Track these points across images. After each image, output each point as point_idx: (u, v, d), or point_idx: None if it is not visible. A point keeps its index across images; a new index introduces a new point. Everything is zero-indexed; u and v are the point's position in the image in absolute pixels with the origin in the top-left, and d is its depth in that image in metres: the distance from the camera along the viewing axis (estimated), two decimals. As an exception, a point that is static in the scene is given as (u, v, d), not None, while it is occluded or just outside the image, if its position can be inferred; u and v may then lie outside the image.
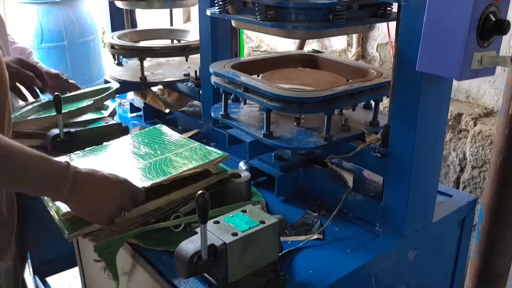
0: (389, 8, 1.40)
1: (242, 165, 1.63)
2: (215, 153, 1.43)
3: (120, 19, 2.42)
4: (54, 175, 1.04)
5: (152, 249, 1.25)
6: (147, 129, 1.72)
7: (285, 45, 3.18)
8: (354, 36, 2.80)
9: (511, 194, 1.36)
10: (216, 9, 1.53)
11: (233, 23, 1.59)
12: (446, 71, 1.06)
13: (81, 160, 1.46)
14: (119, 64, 2.21)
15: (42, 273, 2.37)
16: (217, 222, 1.07)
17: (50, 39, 3.65)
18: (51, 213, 1.30)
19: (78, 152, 1.52)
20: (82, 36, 3.78)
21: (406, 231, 1.30)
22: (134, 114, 2.27)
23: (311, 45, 3.03)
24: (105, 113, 1.94)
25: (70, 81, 2.08)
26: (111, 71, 2.09)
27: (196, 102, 2.11)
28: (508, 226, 1.42)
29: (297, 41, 2.96)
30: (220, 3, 1.49)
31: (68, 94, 1.98)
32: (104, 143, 1.60)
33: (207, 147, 1.49)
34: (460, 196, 1.52)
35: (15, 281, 1.38)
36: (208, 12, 1.58)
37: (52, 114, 1.64)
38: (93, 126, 1.74)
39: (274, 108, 1.37)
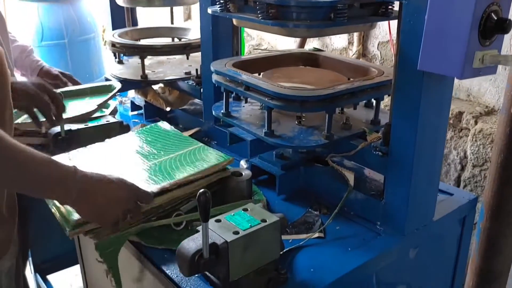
0: (390, 7, 1.40)
1: (243, 163, 1.63)
2: (220, 156, 1.43)
3: (121, 17, 2.42)
4: (62, 179, 1.05)
5: (153, 247, 1.26)
6: (148, 126, 1.72)
7: (286, 43, 3.17)
8: (355, 34, 2.79)
9: (512, 192, 1.36)
10: (217, 8, 1.52)
11: (234, 21, 1.59)
12: (448, 70, 1.06)
13: (83, 159, 1.47)
14: (120, 62, 2.21)
15: (43, 271, 2.37)
16: (218, 221, 1.08)
17: (50, 37, 3.64)
18: (52, 210, 1.30)
19: (79, 149, 1.52)
20: (83, 34, 3.77)
21: (407, 229, 1.31)
22: (135, 113, 2.27)
23: (312, 43, 3.02)
24: (106, 112, 1.95)
25: (74, 79, 2.09)
26: (112, 69, 2.09)
27: (197, 101, 2.11)
28: (509, 225, 1.42)
29: (298, 40, 2.96)
30: (222, 1, 1.49)
31: (68, 89, 1.98)
32: (106, 140, 1.60)
33: (210, 149, 1.49)
34: (461, 194, 1.52)
35: (16, 279, 1.38)
36: (209, 11, 1.58)
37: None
38: (94, 125, 1.74)
39: (275, 107, 1.37)
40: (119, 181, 1.15)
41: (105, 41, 2.15)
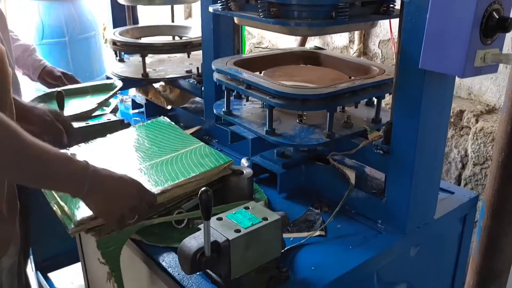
0: (392, 5, 1.40)
1: (244, 162, 1.63)
2: (220, 158, 1.43)
3: (121, 15, 2.42)
4: (75, 174, 1.08)
5: (155, 245, 1.26)
6: (149, 121, 1.72)
7: (287, 41, 3.17)
8: (356, 32, 2.79)
9: (513, 191, 1.37)
10: (218, 6, 1.53)
11: (236, 20, 1.59)
12: (449, 69, 1.06)
13: (84, 155, 1.47)
14: (121, 60, 2.21)
15: (44, 269, 2.38)
16: (220, 219, 1.08)
17: (51, 35, 3.64)
18: (54, 208, 1.31)
19: (81, 145, 1.53)
20: (83, 32, 3.77)
21: (408, 227, 1.31)
22: (136, 111, 2.27)
23: (312, 42, 3.02)
24: (107, 110, 1.95)
25: (76, 79, 2.10)
26: (113, 68, 2.09)
27: (197, 99, 2.11)
28: (510, 223, 1.43)
29: (298, 38, 2.96)
30: (223, 0, 1.49)
31: (69, 87, 1.98)
32: (108, 135, 1.60)
33: (212, 149, 1.49)
34: (462, 193, 1.52)
35: (18, 277, 1.38)
36: (210, 9, 1.58)
37: (51, 106, 1.64)
38: (95, 123, 1.74)
39: (276, 105, 1.37)
40: (128, 177, 1.18)
41: (106, 39, 2.15)
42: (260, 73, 1.63)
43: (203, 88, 1.87)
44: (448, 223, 1.46)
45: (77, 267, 2.21)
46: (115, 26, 2.37)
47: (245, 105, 1.64)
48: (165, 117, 1.74)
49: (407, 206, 1.28)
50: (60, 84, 2.06)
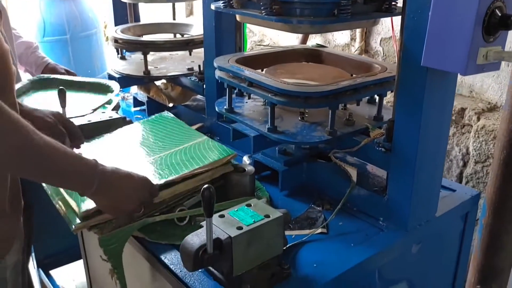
0: (394, 3, 1.39)
1: (246, 159, 1.63)
2: (223, 151, 1.44)
3: (123, 13, 2.41)
4: (84, 172, 1.09)
5: (157, 242, 1.26)
6: (153, 116, 1.73)
7: (288, 39, 3.17)
8: (358, 30, 2.79)
9: (515, 189, 1.37)
10: (220, 3, 1.53)
11: (238, 17, 1.59)
12: (451, 66, 1.06)
13: (92, 150, 1.48)
14: (123, 58, 2.21)
15: (46, 266, 2.38)
16: (222, 216, 1.08)
17: (52, 33, 3.64)
18: (57, 206, 1.31)
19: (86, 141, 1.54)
20: (85, 29, 3.77)
21: (410, 225, 1.31)
22: (138, 108, 2.27)
23: (314, 40, 3.02)
24: (109, 107, 1.95)
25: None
26: (115, 65, 2.09)
27: (199, 97, 2.11)
28: (511, 221, 1.43)
29: (300, 36, 2.96)
30: (225, -3, 1.49)
31: (65, 77, 1.98)
32: (114, 131, 1.61)
33: (215, 142, 1.50)
34: (464, 190, 1.52)
35: (22, 274, 1.39)
36: (212, 7, 1.58)
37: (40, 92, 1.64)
38: (97, 121, 1.74)
39: (278, 103, 1.37)
40: (134, 174, 1.19)
41: (107, 37, 2.15)
42: (262, 70, 1.63)
43: (204, 85, 1.87)
44: (449, 221, 1.46)
45: (79, 265, 2.21)
46: (116, 24, 2.37)
47: (247, 102, 1.64)
48: (169, 112, 1.75)
49: (409, 203, 1.28)
50: None
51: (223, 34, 1.75)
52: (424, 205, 1.34)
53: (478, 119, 2.21)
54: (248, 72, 1.46)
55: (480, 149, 2.20)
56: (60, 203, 1.29)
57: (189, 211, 1.33)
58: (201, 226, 1.05)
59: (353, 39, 2.87)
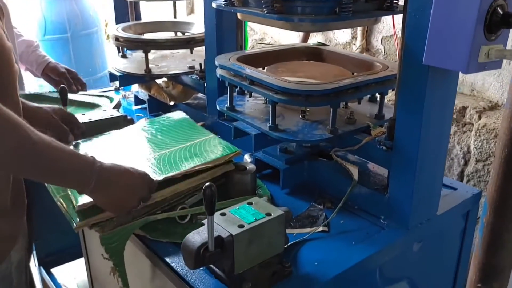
0: (395, 1, 1.40)
1: (247, 157, 1.63)
2: (227, 148, 1.44)
3: (124, 11, 2.42)
4: (82, 170, 1.09)
5: (158, 240, 1.26)
6: (163, 116, 1.73)
7: (289, 37, 3.17)
8: (359, 29, 2.79)
9: (516, 187, 1.37)
10: (222, 2, 1.52)
11: (239, 15, 1.59)
12: (453, 65, 1.06)
13: (96, 147, 1.49)
14: (124, 56, 2.21)
15: (47, 264, 2.39)
16: (223, 214, 1.08)
17: (53, 31, 3.64)
18: (58, 204, 1.31)
19: (94, 138, 1.55)
20: (85, 28, 3.77)
21: (411, 223, 1.31)
22: (139, 107, 2.27)
23: (315, 38, 3.02)
24: (110, 106, 1.96)
25: (78, 77, 2.11)
26: (116, 64, 2.09)
27: (200, 95, 2.11)
28: (513, 219, 1.43)
29: (301, 34, 2.96)
30: (226, -5, 1.49)
31: (52, 95, 1.98)
32: (123, 129, 1.64)
33: (221, 140, 1.51)
34: (465, 189, 1.52)
35: (24, 272, 1.39)
36: (213, 5, 1.58)
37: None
38: (98, 119, 1.75)
39: (280, 101, 1.37)
40: (134, 170, 1.19)
41: (108, 35, 2.15)
42: (263, 69, 1.63)
43: (206, 84, 1.87)
44: (450, 219, 1.46)
45: (80, 263, 2.22)
46: (117, 22, 2.37)
47: (248, 101, 1.64)
48: (181, 111, 1.76)
49: (410, 202, 1.28)
50: (64, 80, 2.06)
51: (224, 32, 1.75)
52: (425, 204, 1.34)
53: (479, 117, 2.21)
54: (249, 71, 1.46)
55: (481, 147, 2.20)
56: (61, 200, 1.29)
57: (191, 209, 1.33)
58: (203, 224, 1.05)
59: (354, 37, 2.87)
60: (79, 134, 1.55)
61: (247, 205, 1.12)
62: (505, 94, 2.20)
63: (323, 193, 1.50)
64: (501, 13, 1.01)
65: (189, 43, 2.03)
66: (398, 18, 1.32)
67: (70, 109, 1.94)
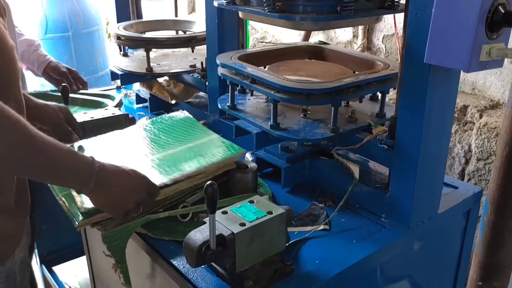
0: (397, 0, 1.39)
1: (248, 156, 1.63)
2: (232, 148, 1.44)
3: (125, 9, 2.42)
4: (81, 170, 1.08)
5: (160, 238, 1.27)
6: (166, 115, 1.74)
7: (290, 36, 3.17)
8: (360, 27, 2.79)
9: (517, 186, 1.36)
10: (223, 0, 1.53)
11: (240, 14, 1.59)
12: (454, 63, 1.06)
13: (100, 147, 1.49)
14: (125, 55, 2.21)
15: (49, 262, 2.39)
16: (225, 213, 1.09)
17: (54, 30, 3.65)
18: (60, 202, 1.31)
19: (98, 137, 1.56)
20: (87, 26, 3.77)
21: (412, 222, 1.31)
22: (140, 105, 2.28)
23: (316, 37, 3.02)
24: (111, 104, 1.96)
25: (79, 76, 2.12)
26: (117, 62, 2.09)
27: (201, 93, 2.11)
28: (514, 218, 1.43)
29: (302, 33, 2.95)
30: (228, -6, 1.49)
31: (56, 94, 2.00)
32: (128, 128, 1.64)
33: (224, 140, 1.50)
34: (466, 187, 1.52)
35: (27, 270, 1.39)
36: (215, 3, 1.58)
37: None
38: (100, 117, 1.75)
39: (281, 100, 1.37)
40: (133, 172, 1.18)
41: (109, 34, 2.16)
42: (265, 67, 1.63)
43: (207, 82, 1.87)
44: (451, 218, 1.46)
45: (82, 261, 2.22)
46: (119, 21, 2.38)
47: (249, 99, 1.64)
48: (185, 111, 1.76)
49: (411, 200, 1.28)
50: (65, 79, 2.07)
51: (225, 31, 1.75)
52: (426, 202, 1.34)
53: (481, 116, 2.21)
54: (250, 69, 1.47)
55: (482, 146, 2.20)
56: (63, 199, 1.30)
57: (192, 207, 1.33)
58: (204, 223, 1.05)
59: (355, 36, 2.87)
60: (80, 136, 1.55)
61: (249, 203, 1.12)
62: (506, 93, 2.20)
63: (324, 192, 1.50)
64: (503, 11, 1.01)
65: (191, 41, 2.04)
66: (400, 16, 1.32)
67: (74, 109, 1.97)
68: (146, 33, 2.25)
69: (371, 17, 1.47)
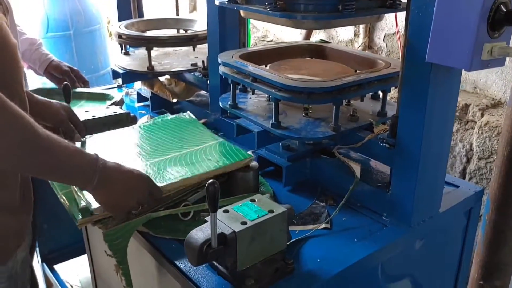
0: (398, -2, 1.40)
1: (249, 154, 1.63)
2: (240, 154, 1.44)
3: (127, 8, 2.42)
4: (85, 167, 1.09)
5: (161, 237, 1.27)
6: (173, 116, 1.73)
7: (291, 35, 3.17)
8: (361, 26, 2.78)
9: (519, 185, 1.36)
10: (225, -1, 1.53)
11: (242, 13, 1.59)
12: (456, 62, 1.05)
13: (103, 145, 1.50)
14: (127, 53, 2.21)
15: (50, 260, 2.40)
16: (226, 211, 1.09)
17: (56, 29, 3.65)
18: (62, 201, 1.32)
19: (93, 136, 1.56)
20: (88, 25, 3.77)
21: (413, 221, 1.31)
22: (142, 104, 2.28)
23: (317, 35, 3.02)
24: (111, 102, 1.97)
25: (81, 75, 2.12)
26: (119, 61, 2.10)
27: (203, 92, 2.11)
28: (515, 217, 1.43)
29: (303, 32, 2.95)
30: (229, -7, 1.49)
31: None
32: (132, 126, 1.64)
33: (231, 145, 1.50)
34: (467, 186, 1.52)
35: (28, 270, 1.40)
36: (216, 2, 1.58)
37: None
38: (101, 116, 1.75)
39: (282, 98, 1.37)
40: (136, 171, 1.19)
41: (110, 33, 2.16)
42: (266, 66, 1.63)
43: (208, 81, 1.87)
44: (453, 217, 1.46)
45: (83, 259, 2.23)
46: (120, 19, 2.38)
47: (250, 98, 1.64)
48: (190, 113, 1.76)
49: (412, 199, 1.28)
50: (67, 78, 2.07)
51: (227, 29, 1.75)
52: (428, 201, 1.34)
53: (482, 115, 2.21)
54: (252, 68, 1.47)
55: (484, 145, 2.20)
56: (64, 197, 1.30)
57: (194, 206, 1.33)
58: (205, 221, 1.05)
59: (356, 35, 2.86)
60: (82, 135, 1.56)
61: (250, 202, 1.12)
62: (508, 92, 2.20)
63: (326, 191, 1.50)
64: (505, 10, 1.01)
65: (192, 40, 2.04)
66: (401, 15, 1.32)
67: (79, 103, 1.97)
68: (147, 31, 2.25)
69: (372, 16, 1.47)
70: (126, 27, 2.13)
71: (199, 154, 1.45)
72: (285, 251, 1.12)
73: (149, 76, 2.05)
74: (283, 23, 1.41)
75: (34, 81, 2.67)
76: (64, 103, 1.57)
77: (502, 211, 1.43)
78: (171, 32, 2.35)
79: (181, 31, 2.35)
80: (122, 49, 2.21)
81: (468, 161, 2.31)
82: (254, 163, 1.45)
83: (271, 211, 1.08)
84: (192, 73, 1.99)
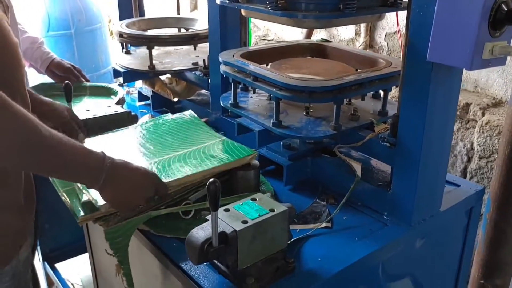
0: (399, -3, 1.39)
1: (250, 154, 1.63)
2: (244, 150, 1.44)
3: (128, 7, 2.42)
4: (92, 165, 1.09)
5: (162, 235, 1.27)
6: (175, 115, 1.73)
7: (292, 34, 3.17)
8: (362, 25, 2.78)
9: (519, 184, 1.37)
10: (225, -2, 1.53)
11: (243, 12, 1.59)
12: (457, 61, 1.05)
13: (108, 144, 1.51)
14: (128, 52, 2.21)
15: (51, 259, 2.40)
16: (227, 210, 1.09)
17: (57, 27, 3.64)
18: (63, 198, 1.32)
19: (104, 137, 1.56)
20: (89, 24, 3.77)
21: (414, 220, 1.31)
22: (143, 103, 2.28)
23: (318, 34, 3.02)
24: (115, 99, 1.97)
25: (82, 73, 2.12)
26: (120, 60, 2.10)
27: (204, 91, 2.11)
28: (516, 216, 1.43)
29: (304, 31, 2.95)
30: (230, -9, 1.49)
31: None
32: (135, 125, 1.65)
33: (234, 143, 1.51)
34: (468, 185, 1.52)
35: (30, 268, 1.40)
36: (218, 1, 1.58)
37: None
38: (103, 115, 1.75)
39: (283, 97, 1.37)
40: (143, 169, 1.20)
41: (111, 32, 2.16)
42: (267, 65, 1.63)
43: (209, 80, 1.87)
44: (454, 216, 1.46)
45: (84, 258, 2.23)
46: (121, 18, 2.38)
47: (251, 97, 1.64)
48: (192, 112, 1.76)
49: (413, 198, 1.28)
50: (70, 76, 2.07)
51: (228, 28, 1.75)
52: (428, 200, 1.34)
53: (483, 114, 2.21)
54: (253, 67, 1.47)
55: (485, 144, 2.20)
56: (65, 195, 1.30)
57: (195, 204, 1.33)
58: (206, 220, 1.05)
59: (357, 34, 2.86)
60: (85, 135, 1.57)
61: (251, 201, 1.13)
62: (509, 91, 2.20)
63: (326, 190, 1.50)
64: (506, 9, 1.01)
65: (193, 39, 2.04)
66: (402, 14, 1.32)
67: (84, 98, 1.97)
68: (148, 30, 2.25)
69: (373, 15, 1.47)
70: (127, 26, 2.13)
71: (202, 152, 1.45)
72: (286, 250, 1.13)
73: (150, 75, 2.05)
74: (284, 22, 1.41)
75: (36, 79, 2.67)
76: (65, 105, 1.58)
77: (503, 210, 1.44)
78: (172, 31, 2.35)
79: (182, 30, 2.35)
80: (123, 48, 2.21)
81: (469, 160, 2.31)
82: (255, 162, 1.45)
83: (272, 210, 1.08)
84: (193, 72, 1.99)
